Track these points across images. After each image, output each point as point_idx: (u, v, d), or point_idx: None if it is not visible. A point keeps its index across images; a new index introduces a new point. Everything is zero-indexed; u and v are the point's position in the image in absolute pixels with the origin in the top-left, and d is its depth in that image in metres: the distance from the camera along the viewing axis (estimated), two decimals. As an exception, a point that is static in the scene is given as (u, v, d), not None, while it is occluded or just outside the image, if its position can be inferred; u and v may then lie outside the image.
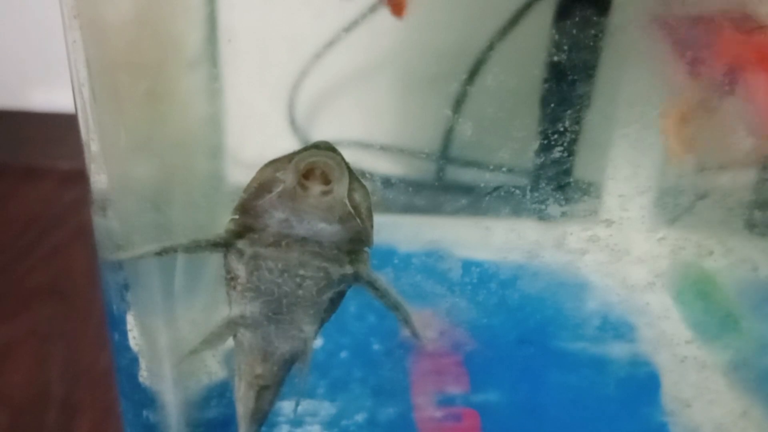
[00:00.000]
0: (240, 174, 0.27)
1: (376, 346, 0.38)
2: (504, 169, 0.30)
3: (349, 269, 0.26)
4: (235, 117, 0.31)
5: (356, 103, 0.34)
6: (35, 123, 0.88)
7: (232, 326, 0.27)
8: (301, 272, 0.26)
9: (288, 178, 0.24)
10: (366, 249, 0.27)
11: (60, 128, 0.85)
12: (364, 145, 0.32)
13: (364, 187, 0.26)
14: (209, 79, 0.29)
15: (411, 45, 0.31)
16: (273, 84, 0.32)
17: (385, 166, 0.33)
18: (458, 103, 0.30)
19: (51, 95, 0.88)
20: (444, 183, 0.35)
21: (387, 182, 0.32)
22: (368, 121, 0.34)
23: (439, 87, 0.31)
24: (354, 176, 0.25)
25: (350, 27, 0.31)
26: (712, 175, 0.31)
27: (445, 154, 0.34)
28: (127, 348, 0.33)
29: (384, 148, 0.33)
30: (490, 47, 0.30)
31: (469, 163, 0.33)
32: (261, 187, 0.25)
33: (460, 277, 0.32)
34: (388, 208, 0.32)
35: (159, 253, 0.27)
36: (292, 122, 0.34)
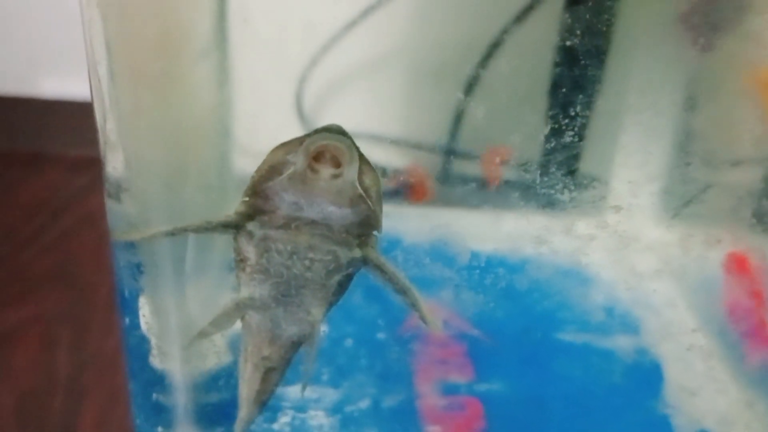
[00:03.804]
0: (249, 158, 0.28)
1: (380, 334, 0.38)
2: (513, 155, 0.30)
3: (357, 253, 0.26)
4: (246, 101, 0.31)
5: (365, 93, 0.34)
6: (43, 110, 0.89)
7: (240, 308, 0.27)
8: (310, 255, 0.26)
9: (298, 160, 0.24)
10: (374, 233, 0.27)
11: (68, 116, 0.85)
12: (374, 136, 0.32)
13: (374, 171, 0.26)
14: (222, 61, 0.30)
15: (421, 35, 0.31)
16: (284, 71, 0.32)
17: (394, 155, 0.33)
18: (469, 88, 0.30)
19: (60, 83, 0.88)
20: (452, 171, 0.35)
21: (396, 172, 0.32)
22: (377, 111, 0.34)
23: (449, 77, 0.31)
24: (364, 160, 0.25)
25: (359, 18, 0.31)
26: (721, 164, 0.31)
27: (454, 142, 0.34)
28: (138, 329, 0.33)
29: (393, 139, 0.33)
30: (504, 32, 0.30)
31: (473, 156, 0.34)
32: (271, 169, 0.25)
33: (466, 266, 0.32)
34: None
35: (171, 233, 0.28)
36: (300, 111, 0.34)
